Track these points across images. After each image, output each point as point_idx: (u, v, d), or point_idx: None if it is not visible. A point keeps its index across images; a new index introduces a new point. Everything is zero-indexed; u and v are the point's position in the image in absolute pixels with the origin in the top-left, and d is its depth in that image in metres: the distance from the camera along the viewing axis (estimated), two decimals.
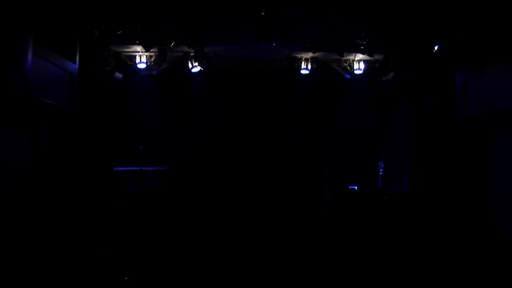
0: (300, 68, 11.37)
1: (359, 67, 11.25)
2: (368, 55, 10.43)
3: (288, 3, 8.20)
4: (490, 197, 7.48)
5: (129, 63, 10.96)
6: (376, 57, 10.73)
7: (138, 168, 11.17)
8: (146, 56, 10.79)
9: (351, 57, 11.21)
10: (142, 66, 10.87)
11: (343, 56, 10.80)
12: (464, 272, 6.41)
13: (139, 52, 10.69)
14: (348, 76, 11.78)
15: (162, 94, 12.30)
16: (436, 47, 9.04)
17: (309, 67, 11.34)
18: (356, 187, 10.55)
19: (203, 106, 12.64)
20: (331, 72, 11.86)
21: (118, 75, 11.06)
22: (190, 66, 11.01)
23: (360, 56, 10.99)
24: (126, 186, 10.87)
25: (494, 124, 7.45)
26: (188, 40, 9.68)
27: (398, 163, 11.69)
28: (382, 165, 11.57)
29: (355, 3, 8.17)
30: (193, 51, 10.54)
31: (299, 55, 11.23)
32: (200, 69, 11.09)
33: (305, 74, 11.56)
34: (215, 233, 6.84)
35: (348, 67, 11.46)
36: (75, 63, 8.10)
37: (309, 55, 11.08)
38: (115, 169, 11.12)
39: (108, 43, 10.07)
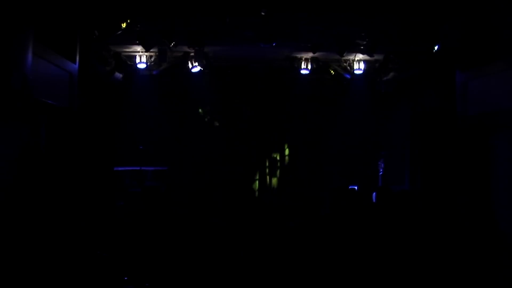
0: (300, 68, 11.37)
1: (359, 67, 11.25)
2: (368, 55, 10.42)
3: (288, 3, 8.19)
4: (490, 197, 7.47)
5: (129, 63, 10.96)
6: (376, 57, 10.73)
7: (138, 168, 11.17)
8: (146, 56, 10.79)
9: (351, 57, 11.20)
10: (142, 66, 10.86)
11: (343, 56, 10.79)
12: (464, 271, 6.41)
13: (139, 52, 10.69)
14: (348, 76, 11.78)
15: (162, 94, 12.30)
16: (436, 47, 9.04)
17: (309, 67, 11.33)
18: (356, 187, 10.56)
19: (203, 106, 12.65)
20: (331, 72, 11.87)
21: (118, 75, 11.06)
22: (190, 66, 11.01)
23: (360, 56, 10.98)
24: (126, 186, 10.87)
25: (494, 124, 7.44)
26: (188, 40, 9.68)
27: (398, 163, 11.69)
28: (382, 165, 11.58)
29: (355, 3, 8.16)
30: (193, 51, 10.54)
31: (299, 55, 11.23)
32: (200, 69, 11.09)
33: (305, 74, 11.56)
34: (215, 233, 6.85)
35: (348, 67, 11.46)
36: (75, 63, 8.10)
37: (309, 55, 11.08)
38: (115, 169, 11.12)
39: (108, 43, 10.06)
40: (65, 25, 7.81)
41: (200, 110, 12.70)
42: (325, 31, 9.43)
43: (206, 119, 12.73)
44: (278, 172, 12.64)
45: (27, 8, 5.87)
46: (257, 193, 12.34)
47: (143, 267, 6.28)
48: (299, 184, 12.36)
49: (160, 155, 12.06)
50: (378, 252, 6.48)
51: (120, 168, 11.22)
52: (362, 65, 11.24)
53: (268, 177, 12.69)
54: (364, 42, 9.98)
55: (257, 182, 12.76)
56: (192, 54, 10.74)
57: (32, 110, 6.47)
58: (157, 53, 10.62)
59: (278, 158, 12.79)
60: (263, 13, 8.24)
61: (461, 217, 7.63)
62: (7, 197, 5.84)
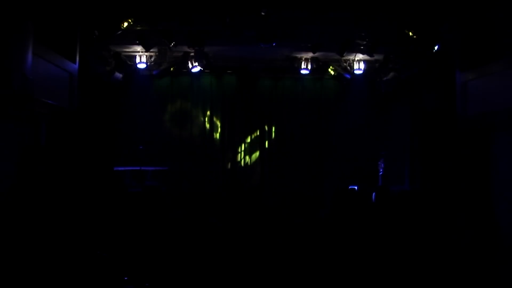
0: (300, 68, 11.37)
1: (359, 67, 11.24)
2: (368, 55, 10.42)
3: (288, 3, 8.20)
4: (490, 197, 7.47)
5: (129, 63, 10.96)
6: (376, 57, 10.73)
7: (138, 168, 11.16)
8: (146, 56, 10.79)
9: (351, 57, 11.21)
10: (142, 66, 10.86)
11: (343, 56, 10.80)
12: (464, 271, 6.41)
13: (139, 52, 10.69)
14: (348, 76, 11.79)
15: (162, 94, 12.31)
16: (436, 47, 9.04)
17: (309, 67, 11.33)
18: (356, 187, 10.55)
19: (203, 105, 12.65)
20: (331, 72, 11.88)
21: (118, 75, 11.06)
22: (190, 66, 11.01)
23: (360, 56, 10.98)
24: (126, 186, 10.85)
25: (494, 124, 7.44)
26: (188, 40, 9.68)
27: (398, 163, 11.68)
28: (382, 165, 11.57)
29: (355, 3, 8.17)
30: (193, 51, 10.54)
31: (299, 55, 11.23)
32: (200, 69, 11.10)
33: (305, 74, 11.57)
34: (215, 233, 6.84)
35: (348, 67, 11.46)
36: (75, 63, 8.11)
37: (309, 55, 11.08)
38: (115, 169, 11.11)
39: (108, 43, 10.07)
40: (65, 25, 7.82)
41: (199, 109, 12.69)
42: (325, 31, 9.44)
43: (206, 119, 12.73)
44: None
45: (27, 8, 5.87)
46: (256, 193, 12.33)
47: (143, 267, 6.28)
48: (300, 184, 12.35)
49: (160, 155, 12.06)
50: (378, 252, 6.48)
51: (120, 168, 11.21)
52: (362, 65, 11.24)
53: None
54: (364, 42, 9.98)
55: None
56: (192, 54, 10.74)
57: (32, 110, 6.48)
58: (157, 53, 10.63)
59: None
60: (263, 13, 8.25)
61: (461, 217, 7.63)
62: (8, 196, 5.84)
